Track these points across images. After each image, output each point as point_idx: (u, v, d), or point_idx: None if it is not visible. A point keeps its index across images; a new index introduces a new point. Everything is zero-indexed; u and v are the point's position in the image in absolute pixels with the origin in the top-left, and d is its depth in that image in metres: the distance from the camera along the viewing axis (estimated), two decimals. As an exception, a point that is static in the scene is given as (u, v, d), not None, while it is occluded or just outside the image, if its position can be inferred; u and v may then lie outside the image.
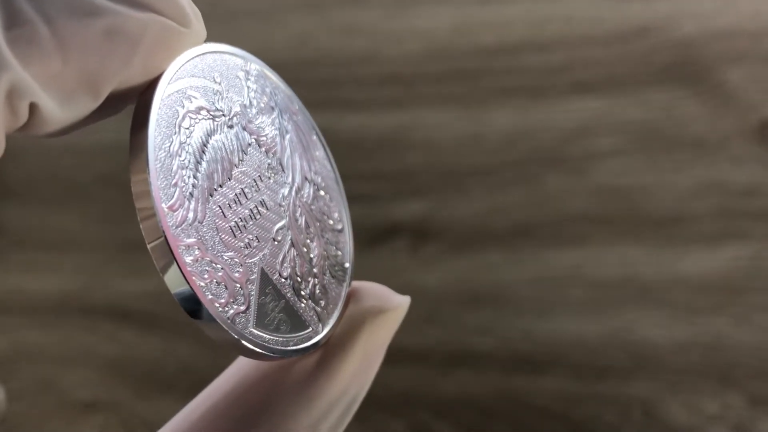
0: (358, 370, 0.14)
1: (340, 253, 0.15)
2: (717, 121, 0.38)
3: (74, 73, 0.10)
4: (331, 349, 0.14)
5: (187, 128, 0.12)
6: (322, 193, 0.15)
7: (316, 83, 0.43)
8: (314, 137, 0.15)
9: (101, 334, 0.37)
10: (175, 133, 0.12)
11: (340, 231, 0.15)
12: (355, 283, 0.15)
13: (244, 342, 0.12)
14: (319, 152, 0.15)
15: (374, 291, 0.15)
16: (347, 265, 0.15)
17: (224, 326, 0.12)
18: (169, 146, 0.12)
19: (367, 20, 0.45)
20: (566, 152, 0.39)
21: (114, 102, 0.11)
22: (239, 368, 0.14)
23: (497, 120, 0.40)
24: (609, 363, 0.33)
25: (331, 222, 0.15)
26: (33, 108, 0.10)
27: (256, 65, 0.14)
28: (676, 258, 0.35)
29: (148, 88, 0.12)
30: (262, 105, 0.14)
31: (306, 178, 0.14)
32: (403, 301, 0.15)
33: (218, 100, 0.13)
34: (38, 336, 0.37)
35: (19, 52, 0.10)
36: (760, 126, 0.38)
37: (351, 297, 0.15)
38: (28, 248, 0.40)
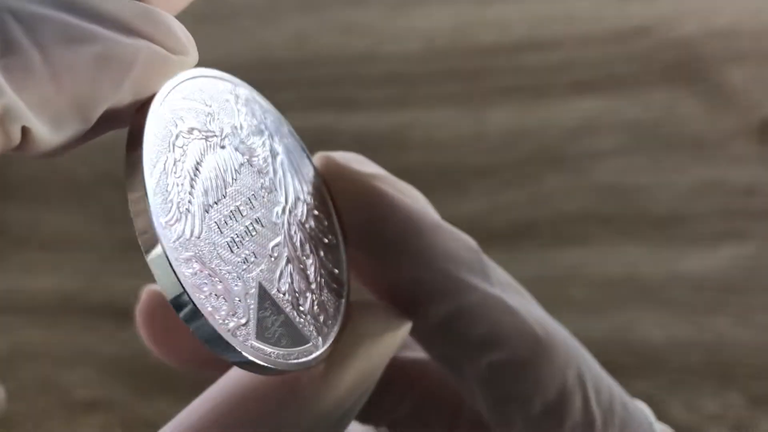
0: (353, 388, 0.14)
1: (336, 270, 0.15)
2: (717, 120, 0.38)
3: (66, 98, 0.11)
4: (327, 367, 0.14)
5: (181, 147, 0.12)
6: (315, 212, 0.15)
7: (316, 83, 0.43)
8: (305, 159, 0.15)
9: (101, 333, 0.37)
10: (170, 151, 0.12)
11: (335, 246, 0.15)
12: (356, 302, 0.15)
13: (245, 354, 0.12)
14: (310, 173, 0.15)
15: (374, 313, 0.15)
16: (344, 280, 0.15)
17: (225, 338, 0.11)
18: (164, 164, 0.12)
19: (367, 20, 0.45)
20: (566, 152, 0.39)
21: (105, 124, 0.12)
22: (231, 379, 0.14)
23: (497, 119, 0.40)
24: (609, 362, 0.33)
25: (326, 240, 0.15)
26: (25, 131, 0.10)
27: (244, 90, 0.14)
28: (677, 257, 0.35)
29: (141, 108, 0.12)
30: (253, 127, 0.14)
31: (299, 198, 0.14)
32: (403, 327, 0.15)
33: (210, 122, 0.13)
34: (38, 336, 0.37)
35: (12, 79, 0.10)
36: (760, 126, 0.38)
37: (351, 315, 0.15)
38: (28, 248, 0.40)
